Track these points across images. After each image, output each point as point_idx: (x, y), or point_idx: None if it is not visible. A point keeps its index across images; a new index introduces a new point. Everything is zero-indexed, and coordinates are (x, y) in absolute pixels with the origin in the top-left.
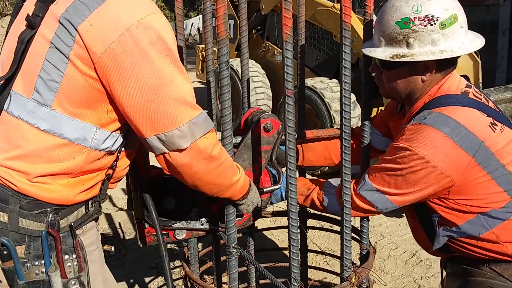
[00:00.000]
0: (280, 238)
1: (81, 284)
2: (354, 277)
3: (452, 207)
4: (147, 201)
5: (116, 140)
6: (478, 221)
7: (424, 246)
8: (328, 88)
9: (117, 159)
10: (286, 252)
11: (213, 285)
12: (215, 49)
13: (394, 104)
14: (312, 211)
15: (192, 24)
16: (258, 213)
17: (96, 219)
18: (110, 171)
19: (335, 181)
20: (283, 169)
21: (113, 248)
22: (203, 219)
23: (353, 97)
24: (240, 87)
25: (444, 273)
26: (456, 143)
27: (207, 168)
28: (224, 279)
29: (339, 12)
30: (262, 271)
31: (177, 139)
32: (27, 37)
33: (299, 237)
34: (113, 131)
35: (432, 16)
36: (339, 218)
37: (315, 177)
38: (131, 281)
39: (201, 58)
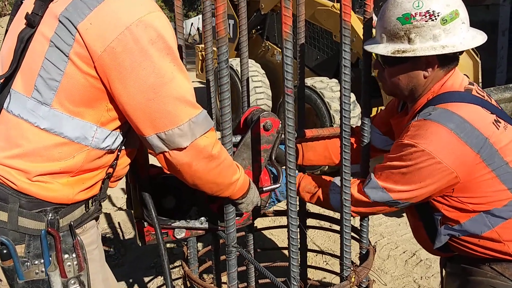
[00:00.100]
0: (279, 238)
1: (80, 283)
2: (353, 276)
3: (455, 205)
4: (146, 200)
5: (116, 138)
6: (481, 220)
7: (425, 245)
8: (328, 88)
9: (117, 158)
10: (286, 251)
11: (212, 285)
12: (215, 48)
13: (394, 103)
14: (312, 210)
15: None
16: (257, 212)
17: (97, 218)
18: (111, 170)
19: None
20: (283, 168)
21: (112, 248)
22: (202, 218)
23: (353, 96)
24: (239, 87)
25: (444, 272)
26: (461, 139)
27: (207, 167)
28: (224, 278)
29: (339, 12)
30: (261, 270)
31: (177, 137)
32: (27, 36)
33: (298, 236)
34: (113, 130)
35: (433, 11)
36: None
37: (321, 175)
38: (131, 280)
39: (200, 58)
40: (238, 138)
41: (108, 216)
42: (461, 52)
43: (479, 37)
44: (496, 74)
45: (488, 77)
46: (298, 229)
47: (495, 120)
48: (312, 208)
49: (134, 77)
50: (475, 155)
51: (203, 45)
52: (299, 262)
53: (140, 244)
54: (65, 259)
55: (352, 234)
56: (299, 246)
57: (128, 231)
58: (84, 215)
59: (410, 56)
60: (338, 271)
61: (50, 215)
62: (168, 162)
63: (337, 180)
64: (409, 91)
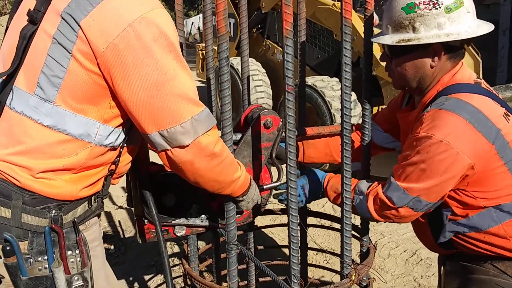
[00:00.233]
0: (280, 237)
1: (84, 279)
2: (354, 274)
3: (466, 200)
4: (147, 198)
5: (119, 135)
6: (489, 215)
7: (426, 240)
8: (328, 87)
9: (119, 155)
10: (286, 250)
11: (212, 282)
12: (215, 47)
13: (397, 101)
14: (313, 208)
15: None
16: (258, 210)
17: (99, 215)
18: (113, 167)
19: (367, 183)
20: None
21: (112, 246)
22: (203, 216)
23: (353, 95)
24: (240, 86)
25: (442, 271)
26: (476, 129)
27: (209, 165)
28: (224, 277)
29: (339, 11)
30: (261, 268)
31: (180, 135)
32: (29, 33)
33: (299, 234)
34: (116, 127)
35: (437, 0)
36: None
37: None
38: (131, 278)
39: (201, 57)
40: (239, 136)
41: (108, 215)
42: (468, 43)
43: (485, 26)
44: (497, 73)
45: (489, 77)
46: (299, 227)
47: (505, 113)
48: (312, 206)
49: (137, 74)
50: (490, 146)
51: (203, 44)
52: (299, 259)
53: (140, 242)
54: (68, 256)
55: (353, 232)
56: (299, 244)
57: (129, 230)
58: (87, 211)
59: (415, 45)
60: (339, 270)
61: (53, 211)
62: (170, 160)
63: (362, 183)
64: (417, 82)
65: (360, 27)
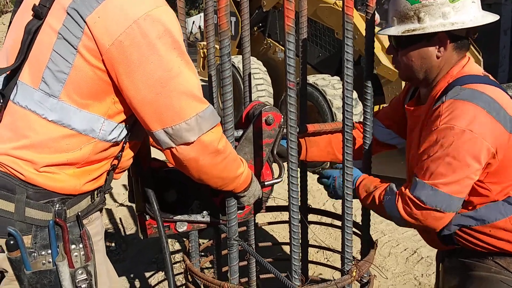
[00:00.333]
0: (280, 235)
1: (88, 273)
2: (355, 270)
3: (480, 191)
4: (148, 194)
5: (122, 130)
6: (496, 208)
7: (427, 234)
8: (330, 85)
9: (122, 150)
10: (286, 248)
11: (213, 278)
12: (217, 46)
13: (400, 98)
14: (314, 206)
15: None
16: (259, 206)
17: (101, 210)
18: (116, 162)
19: (395, 187)
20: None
21: (113, 243)
22: (204, 212)
23: (354, 94)
24: (241, 85)
25: (441, 268)
26: (494, 118)
27: (213, 162)
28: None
29: (341, 9)
30: (263, 263)
31: (184, 132)
32: (34, 28)
33: (300, 230)
34: (120, 122)
35: None
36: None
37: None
38: (132, 275)
39: (202, 55)
40: (240, 132)
41: (109, 212)
42: (473, 33)
43: (490, 17)
44: (498, 73)
45: None
46: (300, 224)
47: None
48: (313, 204)
49: (142, 71)
50: (509, 135)
51: (204, 43)
52: (300, 255)
53: (142, 237)
54: (72, 250)
55: (354, 229)
56: (300, 240)
57: (130, 227)
58: (90, 206)
59: (421, 35)
60: (339, 267)
61: (57, 205)
62: (175, 157)
63: (394, 184)
64: (424, 73)
65: (361, 26)
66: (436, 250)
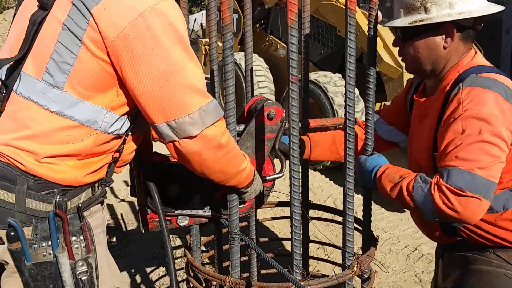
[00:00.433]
0: (281, 231)
1: (88, 265)
2: (356, 265)
3: None
4: (150, 187)
5: (124, 123)
6: (503, 197)
7: (429, 225)
8: (331, 83)
9: (124, 143)
10: (287, 244)
11: (214, 272)
12: (220, 43)
13: (402, 95)
14: (315, 202)
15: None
16: (260, 201)
17: (102, 203)
18: (117, 154)
19: (427, 176)
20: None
21: (114, 239)
22: (206, 206)
23: (356, 91)
24: (243, 81)
25: (440, 263)
26: (511, 104)
27: (216, 156)
28: (226, 268)
29: (343, 6)
30: (264, 257)
31: (188, 126)
32: (39, 18)
33: (301, 225)
34: (122, 115)
35: None
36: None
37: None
38: (133, 271)
39: (204, 52)
40: (242, 127)
41: (110, 207)
42: (479, 24)
43: (495, 7)
44: None
45: None
46: (301, 219)
47: None
48: (314, 200)
49: (146, 64)
50: None
51: (206, 40)
52: (301, 250)
53: (143, 231)
54: (73, 241)
55: (355, 225)
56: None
57: (131, 222)
58: (91, 198)
59: (427, 26)
60: (340, 263)
61: (58, 197)
62: (177, 151)
63: (422, 174)
64: (431, 65)
65: (363, 23)
66: (435, 246)
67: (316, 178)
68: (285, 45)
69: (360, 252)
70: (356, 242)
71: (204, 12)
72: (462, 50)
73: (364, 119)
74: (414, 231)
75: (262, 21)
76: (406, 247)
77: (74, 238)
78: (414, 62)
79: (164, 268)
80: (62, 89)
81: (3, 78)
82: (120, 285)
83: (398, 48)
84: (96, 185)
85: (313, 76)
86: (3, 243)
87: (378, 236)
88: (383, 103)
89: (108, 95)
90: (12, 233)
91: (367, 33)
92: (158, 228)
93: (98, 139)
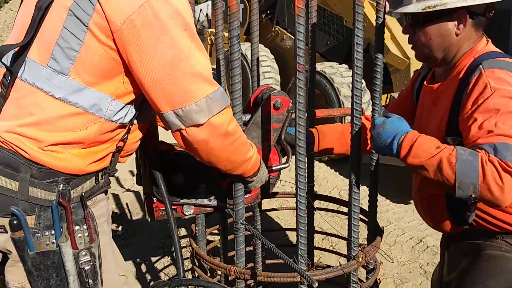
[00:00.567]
0: (286, 222)
1: (92, 255)
2: (361, 256)
3: None
4: (156, 176)
5: (128, 112)
6: None
7: (436, 214)
8: (337, 73)
9: (128, 132)
10: (292, 234)
11: (219, 262)
12: (226, 34)
13: (409, 87)
14: (320, 193)
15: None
16: (266, 191)
17: (106, 192)
18: (121, 144)
19: (467, 149)
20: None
21: (120, 228)
22: (211, 195)
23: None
24: (248, 72)
25: (446, 255)
26: None
27: (223, 144)
28: (231, 258)
29: None
30: (269, 247)
31: (194, 114)
32: (45, 4)
33: (306, 215)
34: (127, 103)
35: None
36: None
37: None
38: (138, 260)
39: (209, 43)
40: (248, 116)
41: (116, 197)
42: (490, 11)
43: None
44: None
45: None
46: (306, 209)
47: None
48: (319, 192)
49: (153, 51)
50: None
51: (212, 30)
52: (307, 240)
53: (149, 220)
54: (76, 231)
55: (360, 216)
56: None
57: (136, 212)
58: (94, 187)
59: (440, 13)
60: (345, 254)
61: (61, 185)
62: (184, 139)
63: (459, 148)
64: (442, 52)
65: (371, 14)
66: (440, 238)
67: (321, 169)
68: (291, 36)
69: (365, 243)
70: (361, 233)
71: (209, 2)
72: (474, 38)
73: (370, 110)
74: (419, 223)
75: (268, 11)
76: (411, 238)
77: (77, 227)
78: (425, 49)
79: (169, 258)
80: (68, 75)
81: (8, 64)
82: (125, 274)
83: (405, 39)
84: (100, 174)
85: (319, 66)
86: (6, 232)
87: (383, 228)
88: (389, 95)
89: (113, 83)
90: (15, 222)
91: (374, 24)
92: (164, 217)
93: (102, 127)
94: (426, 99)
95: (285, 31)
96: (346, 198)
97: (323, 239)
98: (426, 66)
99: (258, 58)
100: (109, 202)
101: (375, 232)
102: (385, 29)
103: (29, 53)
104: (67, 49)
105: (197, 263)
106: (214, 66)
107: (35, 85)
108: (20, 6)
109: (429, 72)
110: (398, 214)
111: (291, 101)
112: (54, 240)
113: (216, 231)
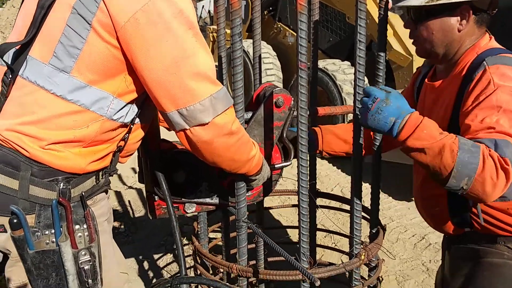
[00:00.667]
0: (288, 219)
1: (91, 254)
2: (363, 253)
3: None
4: (157, 174)
5: (129, 111)
6: None
7: (437, 215)
8: (340, 70)
9: (129, 131)
10: (294, 232)
11: (221, 259)
12: (228, 30)
13: (409, 86)
14: (322, 190)
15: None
16: (268, 189)
17: (106, 191)
18: (122, 143)
19: (469, 140)
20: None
21: (122, 225)
22: (213, 194)
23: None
24: (250, 69)
25: (447, 256)
26: None
27: (227, 144)
28: (233, 256)
29: None
30: (271, 245)
31: (199, 113)
32: (48, 2)
33: (308, 212)
34: (129, 102)
35: None
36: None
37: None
38: (140, 257)
39: (211, 40)
40: (250, 114)
41: (118, 194)
42: (493, 8)
43: None
44: None
45: None
46: (308, 207)
47: None
48: (321, 189)
49: (157, 50)
50: None
51: (214, 27)
52: (309, 238)
53: (150, 218)
54: (76, 230)
55: (362, 214)
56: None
57: (138, 209)
58: (95, 186)
59: (442, 7)
60: (347, 252)
61: (61, 184)
62: (189, 140)
63: (461, 137)
64: (444, 48)
65: (373, 11)
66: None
67: (323, 167)
68: (294, 33)
69: (368, 241)
70: (364, 231)
71: None
72: (476, 34)
73: None
74: (421, 220)
75: (271, 8)
76: (413, 236)
77: (77, 226)
78: (426, 45)
79: (171, 255)
80: (70, 73)
81: (9, 62)
82: (126, 272)
83: (408, 36)
84: (100, 173)
85: (321, 63)
86: (5, 232)
87: (385, 225)
88: None
89: (115, 81)
90: (15, 221)
91: (377, 21)
92: (166, 215)
93: (103, 126)
94: (427, 97)
95: (287, 28)
96: (348, 195)
97: (325, 237)
98: (427, 63)
99: (260, 55)
100: (111, 200)
101: (377, 229)
102: (388, 26)
103: (31, 51)
104: (69, 47)
105: (199, 261)
106: (216, 63)
107: (37, 83)
108: (21, 4)
109: (430, 69)
110: (400, 212)
111: (293, 98)
112: (54, 239)
113: (218, 229)
